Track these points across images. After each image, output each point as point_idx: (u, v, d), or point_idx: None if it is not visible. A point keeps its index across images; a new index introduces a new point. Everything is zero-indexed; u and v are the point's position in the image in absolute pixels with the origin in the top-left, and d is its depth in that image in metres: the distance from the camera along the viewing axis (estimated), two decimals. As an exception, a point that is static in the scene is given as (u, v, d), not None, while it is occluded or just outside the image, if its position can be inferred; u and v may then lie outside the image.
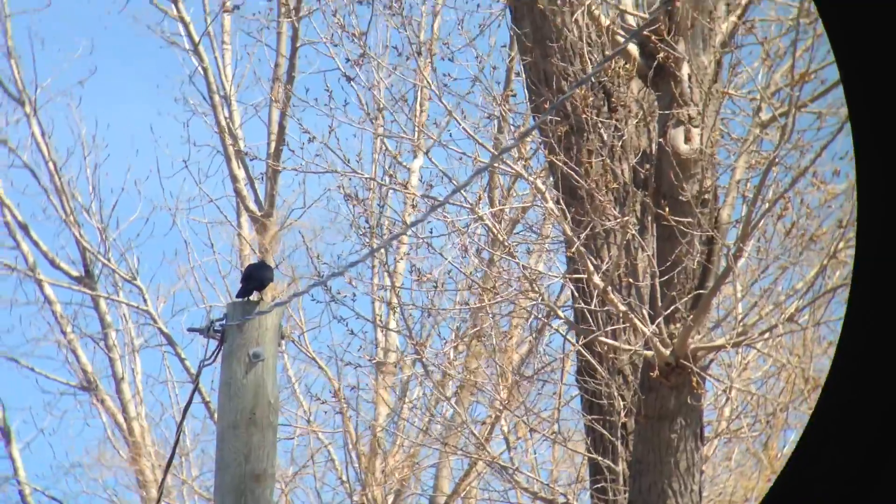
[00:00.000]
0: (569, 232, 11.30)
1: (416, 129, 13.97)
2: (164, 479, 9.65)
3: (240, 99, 20.89)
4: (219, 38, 21.17)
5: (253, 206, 20.93)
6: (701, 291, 10.92)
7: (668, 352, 10.91)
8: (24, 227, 21.70)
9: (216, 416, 8.58)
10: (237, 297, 8.60)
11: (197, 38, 20.79)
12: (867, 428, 6.71)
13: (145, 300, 21.16)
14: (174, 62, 23.38)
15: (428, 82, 11.66)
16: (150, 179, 22.21)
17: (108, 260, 21.24)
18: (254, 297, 8.51)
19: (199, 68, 20.86)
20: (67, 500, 21.20)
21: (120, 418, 21.31)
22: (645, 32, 10.82)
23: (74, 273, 21.56)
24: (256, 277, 8.59)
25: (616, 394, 12.34)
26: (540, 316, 13.04)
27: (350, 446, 18.45)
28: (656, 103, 11.27)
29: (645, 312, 11.11)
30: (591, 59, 11.95)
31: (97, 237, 21.40)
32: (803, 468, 6.84)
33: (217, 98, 20.76)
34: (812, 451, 6.81)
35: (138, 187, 21.58)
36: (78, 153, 21.69)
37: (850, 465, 6.71)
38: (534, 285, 11.75)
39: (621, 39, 11.21)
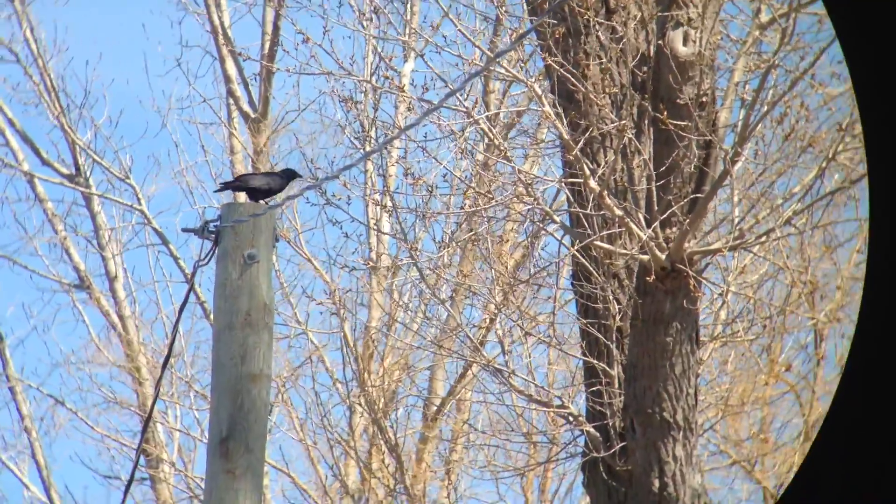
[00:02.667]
0: (565, 136, 11.23)
1: (409, 31, 13.83)
2: (160, 377, 9.68)
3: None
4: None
5: (247, 108, 20.81)
6: (698, 195, 10.89)
7: (664, 256, 10.90)
8: (12, 123, 21.57)
9: (212, 317, 8.57)
10: (214, 192, 8.58)
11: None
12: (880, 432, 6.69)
13: (139, 199, 21.09)
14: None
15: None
16: (141, 79, 22.04)
17: (101, 158, 21.13)
18: (243, 197, 8.49)
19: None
20: (62, 397, 21.29)
21: (114, 317, 21.33)
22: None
23: (65, 171, 21.46)
24: (239, 181, 8.55)
25: (611, 298, 12.34)
26: (535, 220, 12.98)
27: (346, 348, 18.50)
28: (655, 5, 11.15)
29: (641, 216, 11.08)
30: (589, -39, 11.81)
31: (88, 135, 21.27)
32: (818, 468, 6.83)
33: (209, -2, 20.58)
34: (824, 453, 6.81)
35: (129, 86, 21.43)
36: (67, 52, 21.50)
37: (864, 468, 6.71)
38: (529, 189, 11.70)
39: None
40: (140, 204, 21.11)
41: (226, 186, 8.73)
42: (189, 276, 20.09)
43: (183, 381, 19.94)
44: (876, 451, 6.76)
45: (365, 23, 13.07)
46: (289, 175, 9.04)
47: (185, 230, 8.51)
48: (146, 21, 26.58)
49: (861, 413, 6.81)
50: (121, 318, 21.26)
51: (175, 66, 20.47)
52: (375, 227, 18.07)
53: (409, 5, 15.55)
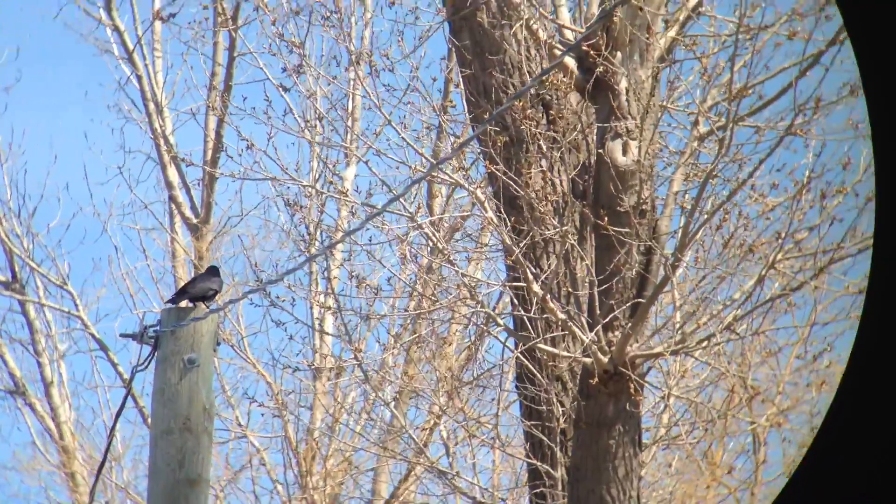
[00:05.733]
0: (508, 241, 11.31)
1: (350, 137, 13.94)
2: (95, 483, 9.57)
3: (172, 107, 20.81)
4: (150, 47, 21.07)
5: (189, 213, 20.84)
6: (639, 300, 10.97)
7: (606, 359, 10.94)
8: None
9: (150, 421, 8.52)
10: (167, 303, 8.57)
11: (131, 46, 20.66)
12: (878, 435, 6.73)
13: (77, 305, 21.00)
14: (104, 71, 23.20)
15: (367, 91, 11.62)
16: (81, 186, 22.06)
17: (38, 265, 21.06)
18: (185, 304, 8.46)
19: (133, 76, 20.74)
20: (-1, 504, 20.99)
21: (50, 423, 21.14)
22: (583, 46, 10.84)
23: (1, 277, 21.36)
24: (189, 290, 8.55)
25: (555, 400, 12.37)
26: (479, 323, 13.03)
27: (288, 450, 18.38)
28: (594, 116, 11.29)
29: (584, 320, 11.14)
30: (529, 73, 11.97)
31: (25, 241, 21.20)
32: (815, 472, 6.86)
33: (151, 105, 20.65)
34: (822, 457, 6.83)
35: (69, 194, 21.45)
36: (8, 157, 21.50)
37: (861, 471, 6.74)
38: (473, 292, 11.75)
39: (559, 53, 11.22)
40: (78, 310, 21.01)
41: (177, 299, 8.70)
42: (127, 382, 20.00)
43: (120, 488, 19.74)
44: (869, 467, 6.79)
45: (309, 130, 13.16)
46: (216, 272, 9.01)
47: (123, 335, 8.49)
48: (87, 128, 26.68)
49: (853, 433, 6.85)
50: (57, 423, 21.08)
51: (117, 174, 20.54)
52: (319, 328, 18.04)
53: (351, 112, 15.70)
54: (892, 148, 6.79)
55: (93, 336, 20.98)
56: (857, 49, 6.97)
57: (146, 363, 8.28)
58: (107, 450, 9.63)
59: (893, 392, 6.81)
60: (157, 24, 20.84)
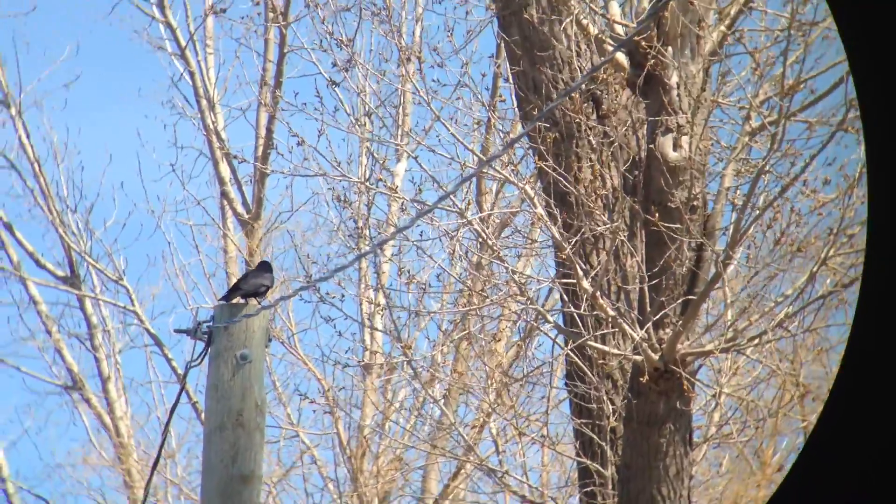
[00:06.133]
0: (558, 236, 11.28)
1: (401, 133, 13.96)
2: (150, 479, 9.63)
3: (224, 103, 20.91)
4: (202, 43, 21.20)
5: (240, 209, 20.92)
6: (690, 297, 10.92)
7: (657, 357, 10.90)
8: (8, 227, 21.65)
9: (203, 417, 8.56)
10: (221, 300, 8.61)
11: (184, 43, 20.77)
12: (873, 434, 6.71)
13: (132, 301, 21.12)
14: (157, 67, 23.35)
15: (416, 87, 11.64)
16: (135, 183, 22.16)
17: (95, 261, 21.20)
18: (238, 300, 8.50)
19: (185, 72, 20.85)
20: (54, 500, 21.16)
21: (106, 418, 21.26)
22: (634, 41, 10.80)
23: (60, 273, 21.53)
24: (242, 287, 8.59)
25: (605, 398, 12.32)
26: (529, 320, 13.00)
27: (340, 447, 18.41)
28: (645, 111, 11.26)
29: (634, 317, 11.10)
30: (580, 68, 11.94)
31: (83, 238, 21.36)
32: (808, 472, 6.85)
33: (204, 102, 20.75)
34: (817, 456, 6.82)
35: (124, 191, 21.58)
36: (64, 156, 21.67)
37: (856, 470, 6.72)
38: (523, 289, 11.74)
39: (610, 48, 11.19)
40: (134, 305, 21.14)
41: (230, 296, 8.74)
42: (181, 377, 20.10)
43: (173, 484, 19.82)
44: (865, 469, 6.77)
45: (359, 126, 13.19)
46: (268, 268, 9.06)
47: (177, 331, 8.52)
48: (141, 125, 26.83)
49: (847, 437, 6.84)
50: (113, 419, 21.21)
51: (170, 171, 20.66)
52: (369, 325, 18.07)
53: (401, 108, 15.71)
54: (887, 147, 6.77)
55: (148, 331, 21.10)
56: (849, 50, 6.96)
57: (200, 359, 8.31)
58: (161, 446, 9.67)
59: (889, 391, 6.77)
60: (209, 20, 20.94)
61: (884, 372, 6.78)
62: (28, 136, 21.51)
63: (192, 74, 20.92)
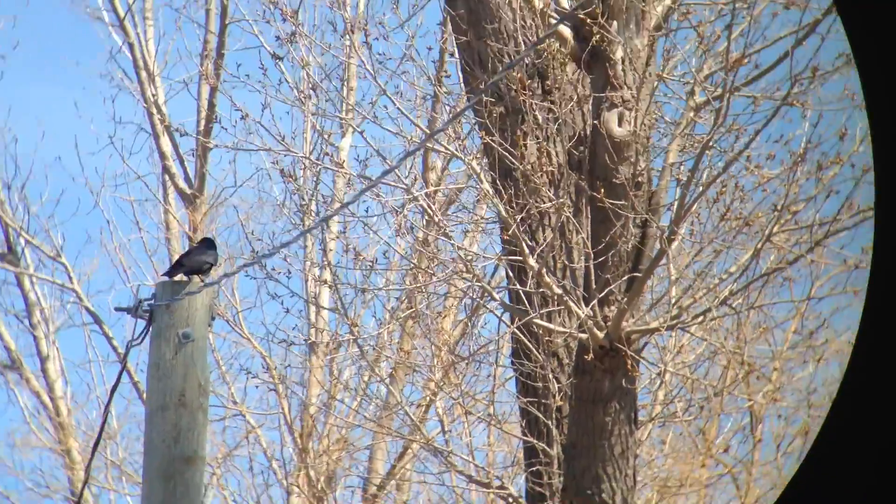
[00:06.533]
0: (504, 213, 11.24)
1: (346, 107, 13.87)
2: (90, 460, 9.54)
3: (165, 76, 20.70)
4: (140, 14, 20.96)
5: (182, 184, 20.74)
6: (635, 274, 10.90)
7: (602, 334, 10.88)
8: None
9: (145, 397, 8.46)
10: (163, 276, 8.52)
11: (122, 13, 20.55)
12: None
13: (71, 278, 20.91)
14: (94, 39, 23.08)
15: (362, 60, 11.55)
16: (72, 157, 21.91)
17: (32, 237, 20.98)
18: (180, 277, 8.40)
19: (125, 44, 20.62)
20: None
21: (46, 398, 21.07)
22: (579, 16, 10.76)
23: (-2, 250, 21.32)
24: (185, 263, 8.49)
25: (551, 376, 12.31)
26: (475, 297, 12.97)
27: (286, 426, 18.33)
28: (590, 86, 11.22)
29: (579, 295, 11.08)
30: (525, 42, 11.89)
31: (18, 214, 21.12)
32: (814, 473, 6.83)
33: (144, 74, 20.53)
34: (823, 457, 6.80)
35: (62, 164, 21.35)
36: (1, 130, 21.41)
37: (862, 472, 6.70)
38: (469, 266, 11.69)
39: (555, 22, 11.15)
40: (72, 283, 20.94)
41: (173, 272, 8.64)
42: (122, 356, 19.92)
43: (115, 465, 19.68)
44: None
45: (303, 99, 13.09)
46: (212, 244, 8.95)
47: (118, 309, 8.41)
48: (79, 98, 26.59)
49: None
50: (52, 398, 21.02)
51: (108, 144, 20.43)
52: (315, 302, 17.98)
53: (346, 82, 15.63)
54: (890, 121, 6.75)
55: (87, 309, 20.90)
56: (847, 22, 6.92)
57: (141, 338, 8.22)
58: (102, 426, 9.60)
59: (892, 393, 6.77)
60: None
61: (889, 374, 6.76)
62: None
63: (131, 46, 20.69)
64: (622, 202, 10.81)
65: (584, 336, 10.94)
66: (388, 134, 11.65)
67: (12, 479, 20.90)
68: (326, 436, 18.19)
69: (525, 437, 12.41)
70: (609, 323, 10.86)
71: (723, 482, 16.79)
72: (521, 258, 11.16)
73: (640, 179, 10.87)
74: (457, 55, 12.20)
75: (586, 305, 10.89)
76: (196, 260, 8.54)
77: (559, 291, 11.02)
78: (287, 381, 18.15)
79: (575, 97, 11.89)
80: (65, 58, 31.52)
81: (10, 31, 23.06)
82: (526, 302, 11.62)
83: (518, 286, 11.66)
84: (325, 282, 15.81)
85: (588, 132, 11.37)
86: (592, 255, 10.89)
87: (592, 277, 10.90)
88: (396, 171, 11.18)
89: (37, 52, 30.79)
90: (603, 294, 10.87)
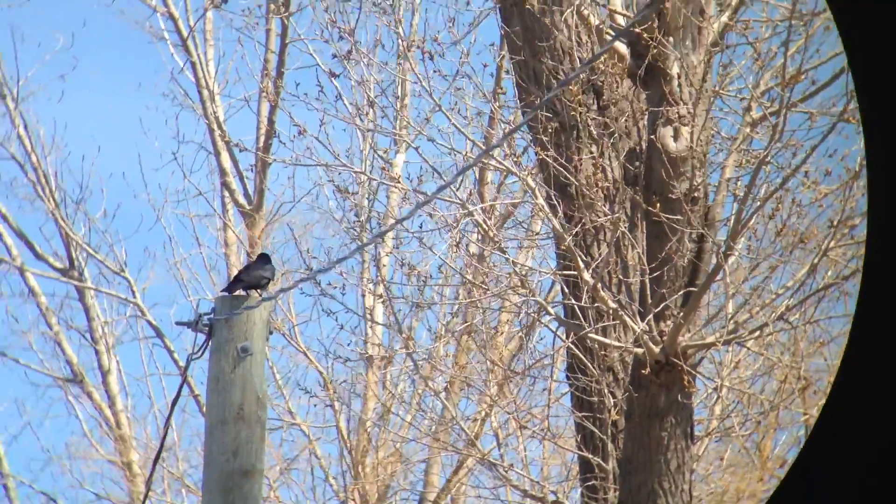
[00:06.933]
0: (559, 228, 11.26)
1: (400, 123, 13.94)
2: (152, 473, 9.61)
3: (225, 95, 20.87)
4: (202, 35, 21.16)
5: (242, 200, 20.88)
6: (691, 289, 10.89)
7: (658, 349, 10.87)
8: (6, 219, 21.62)
9: (205, 410, 8.53)
10: (223, 291, 8.59)
11: (185, 33, 20.74)
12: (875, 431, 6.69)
13: (133, 293, 21.08)
14: (157, 59, 23.32)
15: (417, 76, 11.62)
16: (135, 173, 22.08)
17: (95, 252, 21.16)
18: (239, 292, 8.48)
19: (187, 63, 20.81)
20: (55, 494, 21.11)
21: (107, 411, 21.21)
22: (635, 31, 10.78)
23: (59, 265, 21.48)
24: (244, 279, 8.57)
25: (606, 391, 12.30)
26: (530, 312, 12.99)
27: (341, 440, 18.38)
28: (646, 102, 11.23)
29: (635, 309, 11.07)
30: (580, 59, 11.92)
31: (83, 230, 21.32)
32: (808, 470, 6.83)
33: (205, 93, 20.71)
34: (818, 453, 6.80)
35: (126, 181, 21.53)
36: (63, 147, 21.65)
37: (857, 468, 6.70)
38: (524, 281, 11.71)
39: (610, 38, 11.16)
40: (135, 297, 21.09)
41: (232, 288, 8.72)
42: (182, 370, 20.05)
43: (175, 477, 19.78)
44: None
45: (360, 116, 13.17)
46: (268, 260, 9.04)
47: (178, 323, 8.49)
48: (142, 116, 26.82)
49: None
50: (114, 412, 21.16)
51: (171, 160, 20.61)
52: (370, 318, 18.04)
53: (401, 99, 15.69)
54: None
55: (149, 323, 21.05)
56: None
57: (201, 351, 8.28)
58: (163, 439, 9.65)
59: (888, 392, 6.76)
60: (210, 11, 20.92)
61: (884, 368, 6.76)
62: (25, 128, 21.47)
63: (193, 66, 20.88)
64: (678, 217, 10.81)
65: (639, 351, 10.94)
66: (442, 151, 11.71)
67: (74, 493, 21.06)
68: (381, 449, 18.24)
69: (580, 452, 12.40)
70: (665, 338, 10.85)
71: (779, 497, 16.66)
72: (576, 273, 11.18)
73: (696, 195, 10.87)
74: (512, 72, 12.23)
75: (642, 320, 10.89)
76: (254, 275, 8.63)
77: (614, 306, 11.02)
78: (342, 396, 18.20)
79: (631, 112, 11.90)
80: (127, 78, 31.81)
81: (70, 51, 23.30)
82: (581, 317, 11.63)
83: (573, 301, 11.67)
84: (380, 296, 15.89)
85: (644, 147, 11.37)
86: (648, 270, 10.89)
87: (648, 292, 10.90)
88: (451, 186, 11.21)
89: (100, 73, 31.10)
90: (659, 309, 10.86)
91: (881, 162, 6.77)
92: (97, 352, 21.37)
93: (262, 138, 20.52)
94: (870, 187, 6.88)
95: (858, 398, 6.83)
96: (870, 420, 6.76)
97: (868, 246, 6.97)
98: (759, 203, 10.53)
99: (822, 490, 6.83)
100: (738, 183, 11.04)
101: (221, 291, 8.64)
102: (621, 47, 11.13)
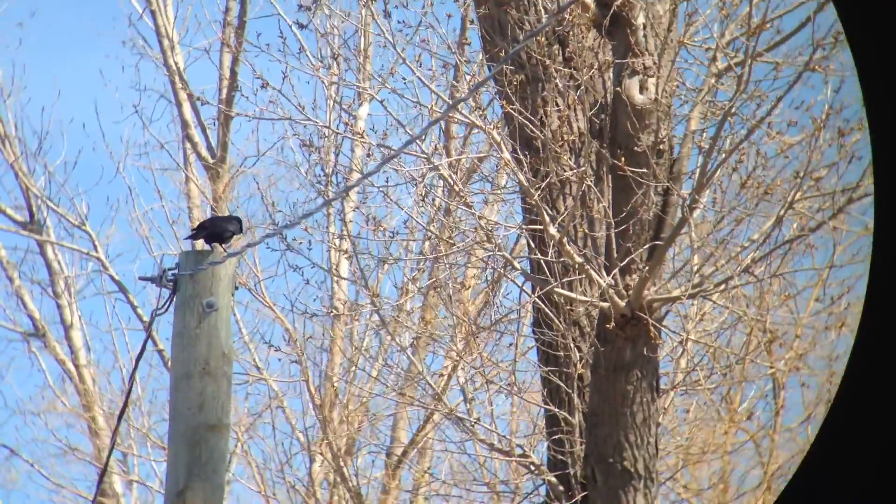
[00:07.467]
0: (525, 182, 11.23)
1: (364, 76, 13.84)
2: (117, 426, 9.58)
3: (185, 43, 20.62)
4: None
5: (205, 153, 20.69)
6: (657, 242, 10.89)
7: (623, 303, 10.88)
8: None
9: (170, 365, 8.50)
10: (185, 238, 8.53)
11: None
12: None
13: (95, 246, 20.91)
14: (114, 5, 23.02)
15: (380, 27, 11.53)
16: (96, 124, 21.84)
17: (56, 205, 20.98)
18: (201, 245, 8.42)
19: (146, 10, 20.54)
20: (18, 448, 21.05)
21: (70, 365, 21.11)
22: (600, -20, 10.72)
23: (19, 218, 21.31)
24: (207, 227, 8.51)
25: (572, 345, 12.31)
26: (496, 267, 12.98)
27: (308, 395, 18.37)
28: (612, 53, 11.19)
29: (601, 263, 11.07)
30: (546, 9, 11.85)
31: (42, 182, 21.12)
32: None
33: (165, 41, 20.47)
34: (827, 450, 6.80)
35: (86, 132, 21.33)
36: (23, 90, 21.40)
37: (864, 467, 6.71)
38: (490, 235, 11.69)
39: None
40: (97, 251, 20.93)
41: (196, 235, 8.65)
42: (147, 325, 19.97)
43: (140, 432, 19.74)
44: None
45: (324, 68, 13.07)
46: (237, 219, 8.97)
47: (142, 279, 8.44)
48: (102, 65, 26.58)
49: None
50: (77, 366, 21.06)
51: (132, 113, 20.38)
52: (336, 273, 17.99)
53: (364, 50, 15.60)
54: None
55: (112, 278, 20.92)
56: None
57: (165, 307, 8.24)
58: (128, 393, 9.60)
59: (892, 392, 6.76)
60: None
61: (888, 375, 6.75)
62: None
63: (152, 13, 20.63)
64: (644, 170, 10.79)
65: (605, 305, 10.95)
66: (406, 104, 11.63)
67: (39, 446, 20.99)
68: (348, 404, 18.24)
69: (547, 406, 12.43)
70: (630, 291, 10.86)
71: (746, 449, 16.80)
72: (542, 227, 11.16)
73: (661, 147, 10.85)
74: (477, 24, 12.15)
75: (608, 274, 10.89)
76: (219, 226, 8.57)
77: (580, 260, 11.02)
78: (309, 352, 18.18)
79: (596, 64, 11.85)
80: (86, 26, 31.47)
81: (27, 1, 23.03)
82: (547, 271, 11.62)
83: (539, 255, 11.66)
84: (345, 251, 15.84)
85: (609, 100, 11.34)
86: (614, 224, 10.88)
87: (614, 246, 10.89)
88: (417, 140, 11.16)
89: (58, 19, 30.80)
90: (624, 263, 10.87)
91: (887, 160, 6.74)
92: (59, 306, 21.25)
93: (225, 90, 20.31)
94: (875, 178, 6.86)
95: (862, 401, 6.82)
96: (874, 424, 6.76)
97: (874, 244, 6.94)
98: (724, 155, 10.51)
99: (824, 491, 6.83)
100: (704, 135, 11.01)
101: (185, 238, 8.56)
102: (586, -3, 11.07)
